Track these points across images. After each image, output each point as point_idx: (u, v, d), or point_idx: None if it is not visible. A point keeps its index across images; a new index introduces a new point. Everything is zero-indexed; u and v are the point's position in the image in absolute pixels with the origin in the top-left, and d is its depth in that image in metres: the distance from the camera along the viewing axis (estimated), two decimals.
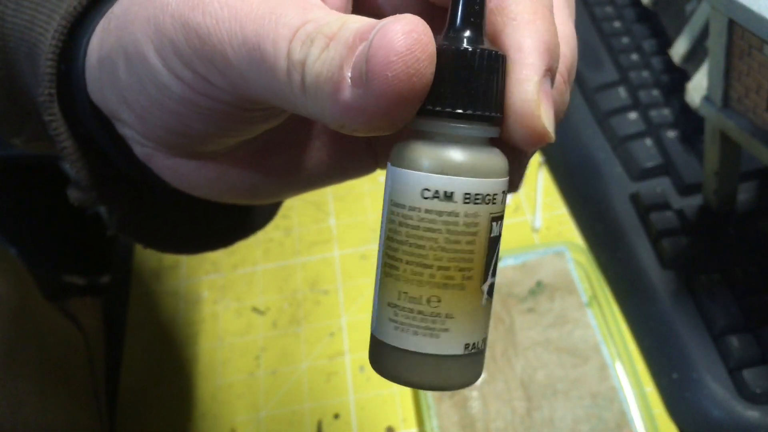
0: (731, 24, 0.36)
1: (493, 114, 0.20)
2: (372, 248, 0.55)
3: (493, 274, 0.21)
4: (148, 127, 0.26)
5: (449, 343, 0.20)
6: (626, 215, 0.50)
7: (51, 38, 0.27)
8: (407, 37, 0.18)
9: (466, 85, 0.19)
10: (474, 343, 0.21)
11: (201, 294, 0.55)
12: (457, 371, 0.21)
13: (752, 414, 0.40)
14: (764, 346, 0.41)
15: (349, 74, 0.19)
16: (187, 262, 0.57)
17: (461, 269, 0.20)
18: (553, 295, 0.48)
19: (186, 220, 0.33)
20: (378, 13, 0.25)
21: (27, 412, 0.36)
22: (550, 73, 0.20)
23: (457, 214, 0.20)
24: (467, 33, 0.20)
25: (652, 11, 0.58)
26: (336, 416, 0.46)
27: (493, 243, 0.21)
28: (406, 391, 0.47)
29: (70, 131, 0.28)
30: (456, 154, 0.20)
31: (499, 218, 0.21)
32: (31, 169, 0.60)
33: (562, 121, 0.23)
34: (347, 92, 0.19)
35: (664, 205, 0.49)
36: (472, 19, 0.20)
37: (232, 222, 0.35)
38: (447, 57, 0.19)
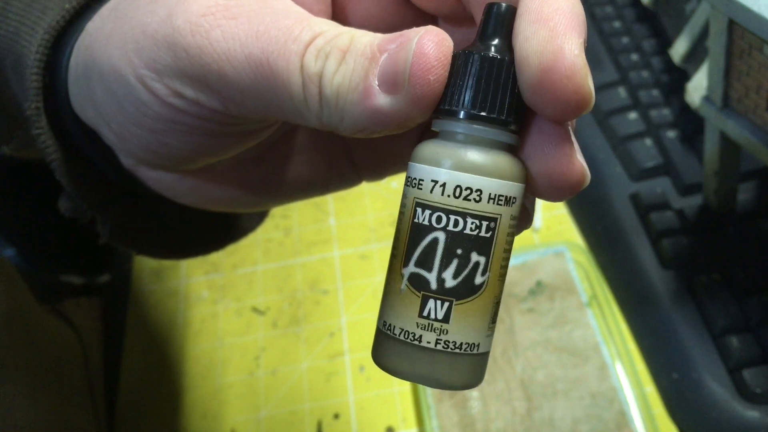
0: (731, 24, 0.36)
1: (492, 115, 0.21)
2: (371, 248, 0.55)
3: (422, 266, 0.21)
4: (127, 146, 0.26)
5: (379, 313, 0.23)
6: (626, 215, 0.50)
7: (36, 52, 0.27)
8: (440, 45, 0.20)
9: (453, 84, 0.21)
10: (389, 324, 0.22)
11: (201, 294, 0.55)
12: (386, 349, 0.22)
13: (752, 414, 0.40)
14: (764, 346, 0.41)
15: (376, 83, 0.20)
16: (187, 261, 0.57)
17: (394, 246, 0.22)
18: (553, 295, 0.48)
19: (176, 226, 0.34)
20: (351, 22, 0.26)
21: (17, 415, 0.35)
22: (584, 43, 0.20)
23: (402, 194, 0.22)
24: (495, 42, 0.21)
25: (652, 11, 0.58)
26: (336, 416, 0.46)
27: (416, 229, 0.21)
28: (406, 391, 0.47)
29: (58, 143, 0.28)
30: (423, 144, 0.22)
31: (428, 207, 0.21)
32: (31, 167, 0.60)
33: None
34: (378, 99, 0.20)
35: (664, 205, 0.49)
36: (499, 31, 0.21)
37: (222, 226, 0.36)
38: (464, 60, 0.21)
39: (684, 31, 0.50)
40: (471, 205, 0.21)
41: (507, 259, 0.22)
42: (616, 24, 0.61)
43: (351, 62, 0.20)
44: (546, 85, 0.19)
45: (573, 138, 0.21)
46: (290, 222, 0.58)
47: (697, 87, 0.46)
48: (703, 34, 0.48)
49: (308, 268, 0.55)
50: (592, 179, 0.60)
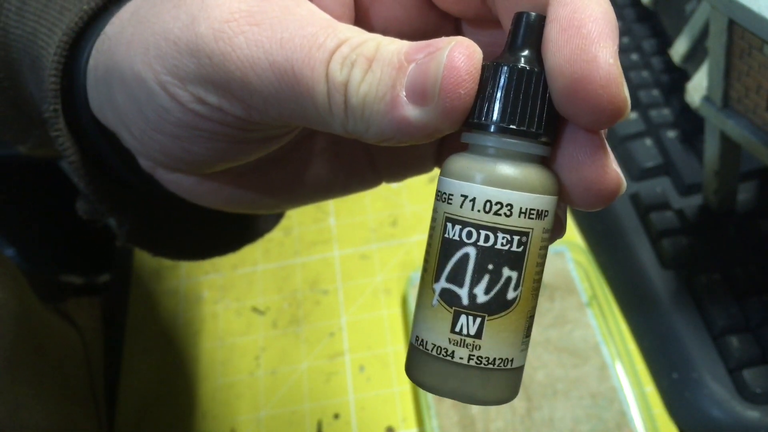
0: (731, 24, 0.36)
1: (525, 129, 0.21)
2: (371, 248, 0.55)
3: (453, 282, 0.21)
4: (147, 150, 0.26)
5: (412, 327, 0.22)
6: (626, 215, 0.50)
7: (53, 54, 0.27)
8: (471, 58, 0.20)
9: (505, 100, 0.21)
10: (422, 340, 0.22)
11: (201, 294, 0.55)
12: (418, 364, 0.22)
13: (752, 414, 0.40)
14: (764, 346, 0.42)
15: (403, 93, 0.20)
16: (187, 262, 0.57)
17: (425, 261, 0.22)
18: (553, 295, 0.48)
19: (194, 227, 0.34)
20: (375, 24, 0.26)
21: (24, 416, 0.36)
22: (618, 49, 0.20)
23: (433, 209, 0.22)
24: (525, 53, 0.21)
25: (652, 11, 0.58)
26: (336, 416, 0.46)
27: (447, 245, 0.21)
28: (406, 391, 0.47)
29: (76, 145, 0.28)
30: (453, 158, 0.22)
31: (458, 222, 0.21)
32: (31, 167, 0.60)
33: None
34: (405, 110, 0.20)
35: (664, 205, 0.49)
36: (529, 41, 0.21)
37: (239, 227, 0.36)
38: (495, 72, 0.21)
39: (684, 31, 0.50)
40: (501, 220, 0.20)
41: (540, 272, 0.21)
42: None
43: (378, 71, 0.20)
44: (580, 94, 0.19)
45: (607, 145, 0.21)
46: (290, 222, 0.58)
47: (697, 87, 0.46)
48: (703, 34, 0.48)
49: (308, 268, 0.55)
50: None
